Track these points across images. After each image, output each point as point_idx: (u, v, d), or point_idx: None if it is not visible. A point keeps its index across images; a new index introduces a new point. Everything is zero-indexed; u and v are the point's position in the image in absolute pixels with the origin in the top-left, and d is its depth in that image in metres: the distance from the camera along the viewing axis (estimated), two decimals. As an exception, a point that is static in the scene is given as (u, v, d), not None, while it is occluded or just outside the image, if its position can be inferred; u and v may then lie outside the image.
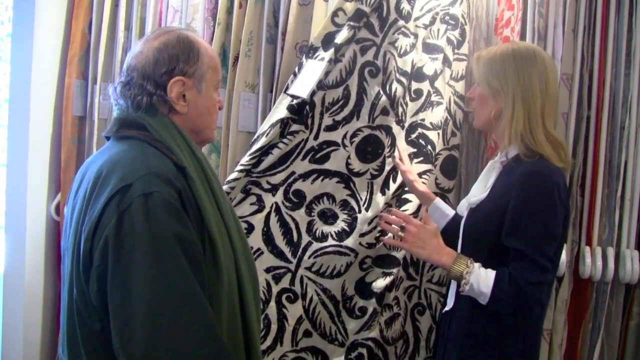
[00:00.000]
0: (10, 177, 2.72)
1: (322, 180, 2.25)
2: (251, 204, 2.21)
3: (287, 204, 2.23)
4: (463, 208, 1.92)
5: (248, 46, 2.45)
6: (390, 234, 2.13)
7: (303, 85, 2.21)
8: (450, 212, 2.14)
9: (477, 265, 1.72)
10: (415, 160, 2.36)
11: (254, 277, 1.56)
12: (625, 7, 2.33)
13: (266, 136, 2.17)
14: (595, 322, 2.38)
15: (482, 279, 1.68)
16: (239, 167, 2.18)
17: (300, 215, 2.24)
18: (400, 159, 2.27)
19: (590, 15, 2.32)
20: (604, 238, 2.36)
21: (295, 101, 2.19)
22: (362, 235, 2.25)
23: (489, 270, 1.69)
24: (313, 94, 2.20)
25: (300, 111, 2.20)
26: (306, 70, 2.22)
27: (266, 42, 2.46)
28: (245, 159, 2.18)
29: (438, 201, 2.18)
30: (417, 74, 2.35)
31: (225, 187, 2.15)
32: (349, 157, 2.25)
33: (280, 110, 2.21)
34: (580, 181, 2.34)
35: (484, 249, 1.75)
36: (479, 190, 1.87)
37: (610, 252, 2.34)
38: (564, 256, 2.25)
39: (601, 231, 2.36)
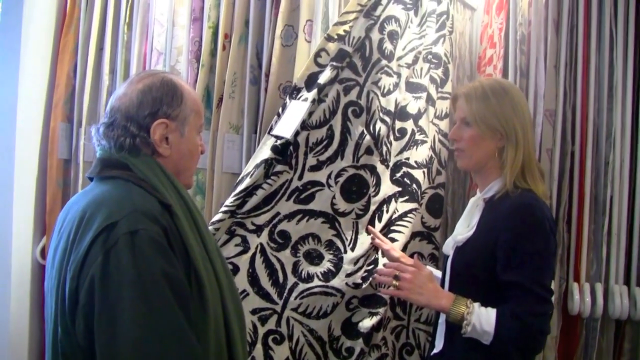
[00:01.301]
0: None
1: (307, 220, 2.23)
2: (236, 245, 2.19)
3: (272, 244, 2.21)
4: (449, 247, 1.90)
5: (232, 87, 2.45)
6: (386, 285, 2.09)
7: (287, 125, 2.20)
8: (439, 274, 2.09)
9: (477, 304, 1.69)
10: (401, 200, 2.35)
11: (239, 313, 1.55)
12: (606, 41, 2.35)
13: (250, 177, 2.16)
14: (586, 359, 2.35)
15: (483, 318, 1.65)
16: (223, 208, 2.16)
17: (286, 256, 2.22)
18: (379, 239, 2.26)
19: (571, 51, 2.34)
20: (591, 274, 2.35)
21: (279, 142, 2.18)
22: (349, 275, 2.23)
23: (489, 308, 1.67)
24: (297, 134, 2.19)
25: (284, 151, 2.19)
26: (290, 111, 2.23)
27: (250, 83, 2.47)
28: (229, 200, 2.17)
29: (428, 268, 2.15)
30: (400, 113, 2.35)
31: (210, 228, 2.13)
32: (333, 197, 2.24)
33: (264, 151, 2.20)
34: (566, 217, 2.33)
35: (473, 286, 1.73)
36: (464, 229, 1.86)
37: (599, 287, 2.32)
38: (552, 293, 2.24)
39: (589, 267, 2.34)
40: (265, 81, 2.42)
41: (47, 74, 2.79)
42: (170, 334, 1.24)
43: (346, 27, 2.24)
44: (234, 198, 2.16)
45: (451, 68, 2.43)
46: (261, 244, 2.20)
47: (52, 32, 2.78)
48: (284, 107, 2.25)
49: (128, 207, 1.30)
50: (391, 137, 2.33)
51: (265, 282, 2.20)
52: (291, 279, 2.21)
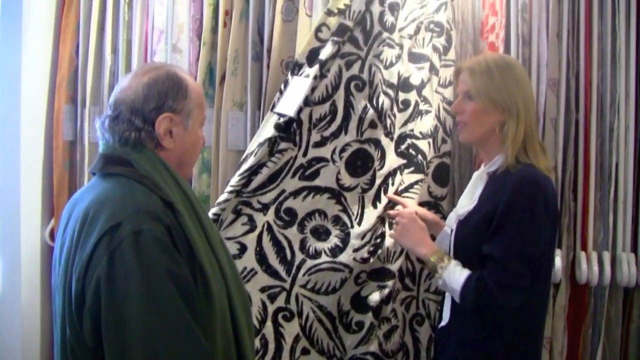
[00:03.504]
0: (3, 203, 2.72)
1: (313, 197, 2.24)
2: (243, 224, 2.20)
3: (279, 222, 2.22)
4: (452, 221, 1.92)
5: (234, 64, 2.45)
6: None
7: (289, 102, 2.20)
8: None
9: (453, 262, 1.75)
10: (407, 171, 2.34)
11: (245, 304, 1.56)
12: (608, 8, 2.32)
13: (254, 155, 2.17)
14: (595, 327, 2.36)
15: (454, 276, 1.72)
16: (228, 188, 2.17)
17: (293, 233, 2.23)
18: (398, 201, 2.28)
19: (573, 19, 2.32)
20: (599, 242, 2.34)
21: (282, 119, 2.18)
22: (356, 250, 2.23)
23: (465, 270, 1.71)
24: (300, 110, 2.19)
25: (288, 129, 2.19)
26: (292, 88, 2.22)
27: (252, 60, 2.46)
28: (234, 180, 2.17)
29: (447, 228, 2.17)
30: (404, 85, 2.33)
31: (215, 209, 2.15)
32: (338, 173, 2.24)
33: (267, 129, 2.20)
34: (572, 186, 2.32)
35: (475, 259, 1.73)
36: (467, 202, 1.87)
37: (606, 256, 2.32)
38: (559, 262, 2.24)
39: (596, 235, 2.34)
40: (268, 57, 2.42)
41: (50, 54, 2.79)
42: (177, 331, 1.25)
43: (346, 0, 2.22)
44: (239, 177, 2.16)
45: (454, 35, 2.40)
46: (268, 222, 2.21)
47: (54, 12, 2.77)
48: (285, 83, 2.25)
49: (131, 207, 1.31)
50: (395, 110, 2.32)
51: (273, 259, 2.21)
52: (299, 256, 2.22)
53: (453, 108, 1.94)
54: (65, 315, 1.33)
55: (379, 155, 2.29)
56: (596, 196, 2.33)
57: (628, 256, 2.32)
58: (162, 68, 1.50)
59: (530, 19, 2.27)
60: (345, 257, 2.23)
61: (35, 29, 2.70)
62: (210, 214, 2.11)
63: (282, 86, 2.26)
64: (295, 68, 2.24)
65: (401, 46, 2.32)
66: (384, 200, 2.30)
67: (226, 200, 2.15)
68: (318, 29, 2.24)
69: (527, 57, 2.29)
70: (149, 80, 1.45)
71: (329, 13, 2.22)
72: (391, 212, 2.23)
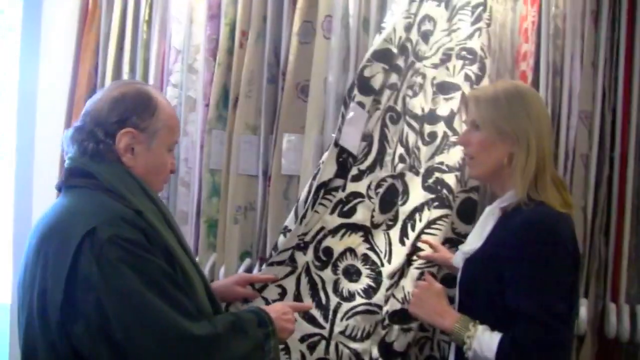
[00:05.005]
0: (17, 219, 2.73)
1: (349, 235, 2.11)
2: (285, 265, 2.07)
3: (317, 263, 2.08)
4: (458, 259, 1.77)
5: (249, 86, 2.37)
6: None
7: (351, 136, 2.08)
8: None
9: (481, 328, 1.57)
10: (434, 206, 2.19)
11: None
12: (652, 36, 2.12)
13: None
14: (625, 387, 2.14)
15: (485, 343, 1.54)
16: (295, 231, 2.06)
17: (327, 274, 2.09)
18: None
19: (612, 46, 2.12)
20: (632, 293, 2.12)
21: (345, 155, 2.08)
22: (388, 289, 2.09)
23: (495, 333, 1.54)
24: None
25: (345, 165, 2.09)
26: (352, 117, 2.09)
27: (267, 82, 2.38)
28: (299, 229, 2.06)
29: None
30: (430, 117, 2.20)
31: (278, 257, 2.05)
32: (374, 210, 2.12)
33: (330, 163, 2.08)
34: (604, 228, 2.12)
35: (482, 304, 1.61)
36: (475, 239, 1.72)
37: (640, 310, 2.10)
38: (584, 313, 2.04)
39: (629, 285, 2.11)
40: (283, 80, 2.33)
41: (70, 72, 2.81)
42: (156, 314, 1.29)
43: (388, 21, 2.13)
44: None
45: (488, 63, 2.24)
46: (307, 263, 2.08)
47: (75, 31, 2.80)
48: (345, 106, 2.11)
49: (104, 213, 1.33)
50: (419, 142, 2.20)
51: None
52: (333, 299, 2.08)
53: (459, 140, 1.81)
54: (35, 334, 1.33)
55: (402, 189, 2.16)
56: (631, 242, 2.11)
57: (665, 311, 2.09)
58: (134, 85, 1.51)
59: (563, 46, 2.10)
60: (379, 297, 2.08)
61: (55, 47, 2.73)
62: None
63: (343, 109, 2.12)
64: (351, 89, 2.11)
65: (424, 76, 2.20)
66: (412, 236, 2.15)
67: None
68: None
69: (558, 88, 2.12)
70: (117, 94, 1.46)
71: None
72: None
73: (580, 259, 1.76)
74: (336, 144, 2.08)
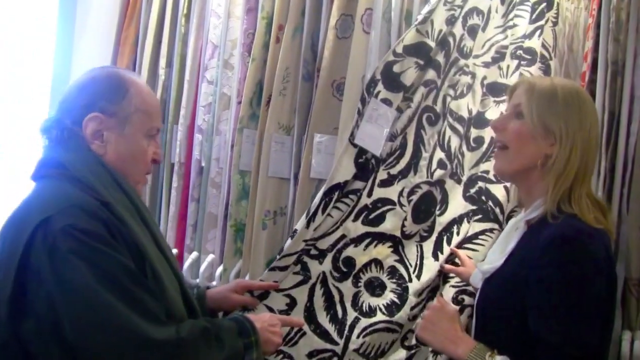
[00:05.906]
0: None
1: (375, 246, 1.93)
2: (294, 273, 1.92)
3: (336, 274, 1.92)
4: (477, 279, 1.56)
5: (283, 84, 2.24)
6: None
7: (372, 136, 1.92)
8: None
9: (499, 359, 1.38)
10: (475, 219, 2.00)
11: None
12: None
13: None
14: None
15: None
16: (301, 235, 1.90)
17: (347, 286, 1.92)
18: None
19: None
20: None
21: (364, 156, 1.92)
22: (412, 308, 1.91)
23: None
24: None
25: (366, 167, 1.92)
26: (373, 114, 1.92)
27: (303, 79, 2.25)
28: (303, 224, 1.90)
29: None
30: (477, 120, 2.02)
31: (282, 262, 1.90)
32: (405, 219, 1.94)
33: (346, 163, 1.92)
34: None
35: (502, 328, 1.43)
36: (496, 257, 1.51)
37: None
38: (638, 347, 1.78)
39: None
40: (318, 77, 2.19)
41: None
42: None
43: (425, 13, 1.95)
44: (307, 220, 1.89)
45: (553, 65, 2.03)
46: (323, 273, 1.92)
47: (115, 25, 2.78)
48: (363, 103, 1.94)
49: (63, 202, 1.26)
50: (464, 148, 2.01)
51: (322, 318, 1.90)
52: (351, 313, 1.91)
53: (493, 123, 1.60)
54: None
55: (440, 198, 1.98)
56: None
57: None
58: (107, 68, 1.45)
59: (626, 43, 1.86)
60: (402, 316, 1.90)
61: (89, 43, 2.76)
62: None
63: (360, 105, 1.95)
64: (372, 85, 1.94)
65: (474, 75, 2.02)
66: (447, 251, 1.96)
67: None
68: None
69: (619, 88, 1.87)
70: (87, 78, 1.41)
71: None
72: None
73: (617, 283, 1.53)
74: (354, 144, 1.91)
